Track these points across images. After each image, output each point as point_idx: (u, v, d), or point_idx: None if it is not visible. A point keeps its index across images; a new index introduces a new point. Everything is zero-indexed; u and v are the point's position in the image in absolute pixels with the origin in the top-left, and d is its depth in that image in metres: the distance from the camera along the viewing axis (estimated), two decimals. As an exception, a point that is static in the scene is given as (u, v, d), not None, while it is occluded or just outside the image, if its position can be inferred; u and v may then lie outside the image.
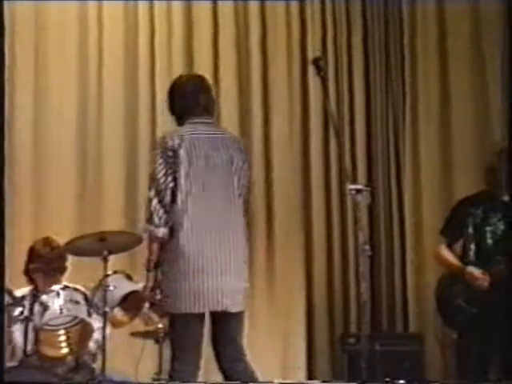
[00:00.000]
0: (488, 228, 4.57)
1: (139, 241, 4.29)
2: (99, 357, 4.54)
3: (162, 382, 4.88)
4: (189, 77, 4.07)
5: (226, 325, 3.70)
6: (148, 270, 3.70)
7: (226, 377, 3.74)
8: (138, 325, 4.86)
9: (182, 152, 3.63)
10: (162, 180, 3.64)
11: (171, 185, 3.64)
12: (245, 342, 3.80)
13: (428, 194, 5.83)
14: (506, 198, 4.59)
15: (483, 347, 4.49)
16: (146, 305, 4.67)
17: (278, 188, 5.78)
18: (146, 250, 3.72)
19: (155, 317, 4.85)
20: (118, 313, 4.65)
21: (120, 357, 5.01)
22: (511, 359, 4.40)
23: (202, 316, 3.68)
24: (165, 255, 3.67)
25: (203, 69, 5.41)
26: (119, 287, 4.57)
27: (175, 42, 5.78)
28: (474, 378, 4.50)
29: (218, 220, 3.64)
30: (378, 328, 5.71)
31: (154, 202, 3.62)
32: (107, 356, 4.38)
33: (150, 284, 3.71)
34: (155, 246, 3.67)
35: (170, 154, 3.64)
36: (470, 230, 4.59)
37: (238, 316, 3.72)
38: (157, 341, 4.94)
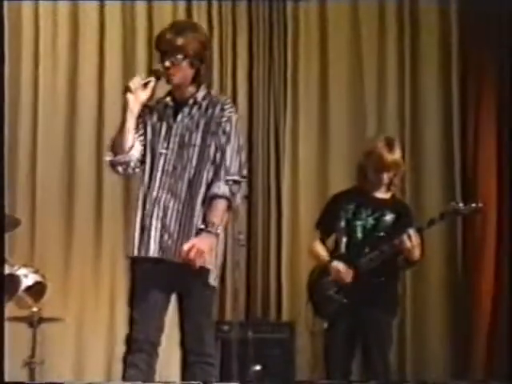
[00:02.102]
0: (358, 222, 4.76)
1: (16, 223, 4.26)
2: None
3: (35, 365, 4.92)
4: None
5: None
6: None
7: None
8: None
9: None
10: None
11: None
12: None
13: (305, 188, 6.00)
14: (376, 194, 4.80)
15: (350, 335, 4.70)
16: (21, 289, 4.69)
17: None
18: None
19: (30, 300, 4.87)
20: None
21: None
22: (376, 344, 4.64)
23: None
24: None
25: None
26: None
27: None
28: (340, 364, 4.71)
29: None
30: (252, 316, 5.85)
31: None
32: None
33: None
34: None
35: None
36: (342, 224, 4.77)
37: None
38: (31, 324, 4.95)
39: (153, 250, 3.63)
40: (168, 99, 3.75)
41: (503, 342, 5.53)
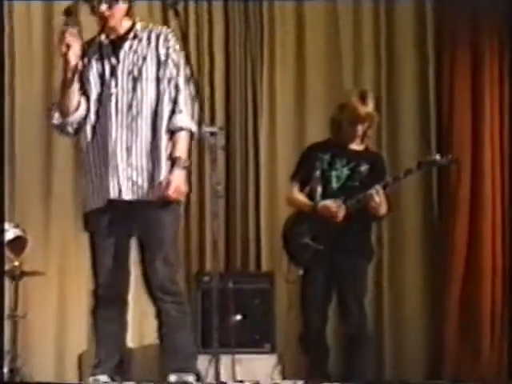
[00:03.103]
0: (334, 172, 4.83)
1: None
2: None
3: (18, 318, 4.99)
4: None
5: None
6: None
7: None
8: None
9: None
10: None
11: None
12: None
13: (283, 139, 6.04)
14: (350, 146, 4.86)
15: (326, 281, 4.79)
16: (3, 243, 4.74)
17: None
18: None
19: (11, 254, 4.92)
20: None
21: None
22: (352, 289, 4.73)
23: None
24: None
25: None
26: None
27: None
28: (317, 310, 4.80)
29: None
30: (232, 267, 5.93)
31: None
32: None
33: None
34: None
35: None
36: (318, 174, 4.83)
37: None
38: (13, 278, 5.01)
39: (125, 193, 3.57)
40: (102, 38, 3.63)
41: (476, 285, 5.65)
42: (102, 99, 3.61)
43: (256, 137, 6.07)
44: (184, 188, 3.56)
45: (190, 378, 3.61)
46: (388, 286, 5.85)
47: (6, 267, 4.94)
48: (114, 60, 3.61)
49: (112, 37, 3.62)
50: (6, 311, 4.94)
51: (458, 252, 5.69)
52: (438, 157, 4.81)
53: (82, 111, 3.64)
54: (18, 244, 4.93)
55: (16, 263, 4.96)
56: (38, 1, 5.82)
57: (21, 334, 5.11)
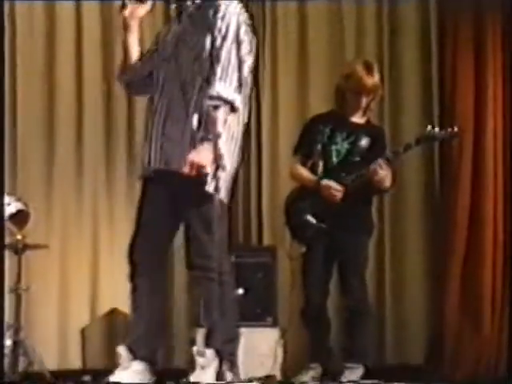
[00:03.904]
0: (333, 147, 4.82)
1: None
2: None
3: (21, 291, 5.02)
4: None
5: None
6: None
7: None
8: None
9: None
10: None
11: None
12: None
13: (285, 111, 6.01)
14: (352, 118, 4.85)
15: (327, 257, 4.81)
16: (6, 217, 4.76)
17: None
18: None
19: (14, 228, 4.94)
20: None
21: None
22: (353, 264, 4.74)
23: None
24: None
25: None
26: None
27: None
28: (318, 285, 4.83)
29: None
30: (234, 241, 5.94)
31: None
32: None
33: None
34: None
35: None
36: (319, 148, 4.83)
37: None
38: (15, 251, 5.03)
39: (158, 161, 3.55)
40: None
41: (477, 261, 5.66)
42: (158, 65, 3.63)
43: (258, 108, 6.04)
44: (204, 162, 3.39)
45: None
46: (389, 261, 5.86)
47: (9, 241, 4.97)
48: (176, 25, 3.65)
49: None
50: (9, 284, 4.97)
51: (459, 227, 5.69)
52: (437, 130, 4.80)
53: (143, 71, 3.67)
54: (21, 217, 4.95)
55: (18, 237, 4.98)
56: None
57: (24, 306, 5.14)
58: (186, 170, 3.41)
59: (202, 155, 3.38)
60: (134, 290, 3.62)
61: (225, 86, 3.42)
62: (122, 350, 3.58)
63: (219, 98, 3.42)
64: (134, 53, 3.66)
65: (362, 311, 4.82)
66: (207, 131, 3.39)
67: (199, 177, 3.41)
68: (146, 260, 3.59)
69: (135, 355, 3.54)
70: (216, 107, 3.41)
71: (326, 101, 5.36)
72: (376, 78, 4.80)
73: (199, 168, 3.39)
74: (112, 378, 3.54)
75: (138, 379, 3.51)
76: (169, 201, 3.59)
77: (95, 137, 5.86)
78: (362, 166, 4.72)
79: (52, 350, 5.56)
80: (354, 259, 4.80)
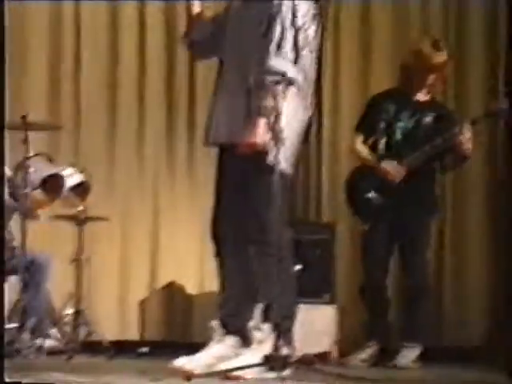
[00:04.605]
0: (399, 124, 4.78)
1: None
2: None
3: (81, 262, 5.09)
4: None
5: None
6: None
7: None
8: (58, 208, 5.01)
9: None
10: None
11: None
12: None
13: (347, 88, 5.95)
14: (416, 96, 4.78)
15: (389, 235, 4.77)
16: (67, 187, 4.81)
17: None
18: None
19: (76, 200, 4.99)
20: (39, 195, 4.77)
21: (41, 239, 5.14)
22: (415, 243, 4.70)
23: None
24: None
25: None
26: (40, 169, 4.67)
27: None
28: (379, 262, 4.80)
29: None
30: (293, 217, 5.91)
31: None
32: (28, 237, 4.53)
33: None
34: None
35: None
36: (383, 125, 4.79)
37: None
38: (77, 223, 5.09)
39: (224, 135, 3.55)
40: None
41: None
42: (222, 37, 3.66)
43: (319, 84, 5.97)
44: (258, 141, 3.38)
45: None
46: (450, 242, 5.79)
47: (71, 212, 5.03)
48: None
49: None
50: (72, 255, 5.04)
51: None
52: (504, 106, 4.71)
53: (205, 34, 3.72)
54: (83, 189, 4.99)
55: (80, 208, 5.03)
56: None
57: (85, 277, 5.20)
58: (242, 149, 3.42)
59: (256, 135, 3.37)
60: (221, 266, 3.65)
61: (281, 60, 3.41)
62: (215, 325, 3.62)
63: (276, 72, 3.40)
64: (198, 14, 3.71)
65: (423, 291, 4.79)
66: (264, 106, 3.37)
67: (257, 153, 3.40)
68: (229, 235, 3.60)
69: (227, 329, 3.59)
70: (274, 82, 3.39)
71: (389, 75, 5.30)
72: (444, 55, 4.72)
73: (254, 148, 3.39)
74: (206, 350, 3.57)
75: (231, 352, 3.53)
76: (236, 174, 3.58)
77: (158, 110, 5.89)
78: (425, 143, 4.66)
79: (111, 321, 5.63)
80: (416, 238, 4.76)
